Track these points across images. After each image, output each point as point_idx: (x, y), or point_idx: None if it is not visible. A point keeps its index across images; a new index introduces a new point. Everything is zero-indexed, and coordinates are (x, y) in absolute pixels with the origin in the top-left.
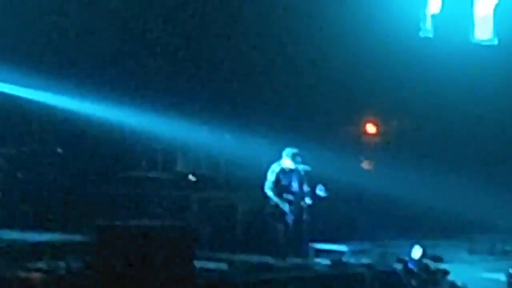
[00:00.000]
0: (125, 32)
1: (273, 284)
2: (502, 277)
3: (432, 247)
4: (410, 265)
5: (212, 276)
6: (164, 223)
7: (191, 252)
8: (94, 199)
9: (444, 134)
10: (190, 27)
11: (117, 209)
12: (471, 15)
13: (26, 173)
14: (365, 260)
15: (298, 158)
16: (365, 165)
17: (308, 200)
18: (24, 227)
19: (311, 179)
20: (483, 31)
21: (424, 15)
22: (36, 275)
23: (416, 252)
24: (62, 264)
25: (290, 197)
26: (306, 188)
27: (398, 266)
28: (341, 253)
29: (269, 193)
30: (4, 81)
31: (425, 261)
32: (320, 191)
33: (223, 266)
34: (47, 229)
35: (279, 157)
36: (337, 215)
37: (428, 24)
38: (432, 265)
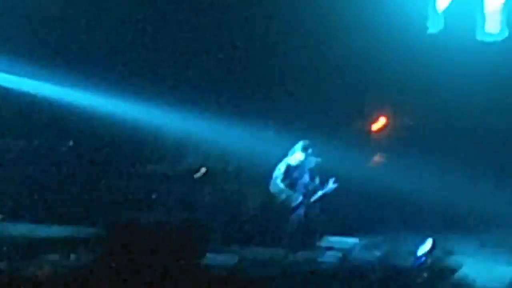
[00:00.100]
0: (133, 21)
1: (283, 278)
2: None
3: (443, 241)
4: (421, 259)
5: (222, 270)
6: (173, 217)
7: (201, 246)
8: (105, 194)
9: (455, 128)
10: (200, 17)
11: (128, 203)
12: (481, 9)
13: (37, 166)
14: (375, 254)
15: (309, 150)
16: (376, 158)
17: (319, 193)
18: (35, 221)
19: (322, 172)
20: (493, 25)
21: (433, 9)
22: (47, 269)
23: (427, 245)
24: (73, 257)
25: (301, 189)
26: (317, 180)
27: (409, 260)
28: (352, 246)
29: (280, 185)
30: (13, 73)
31: (436, 254)
32: (331, 184)
33: (234, 259)
34: (58, 223)
35: (290, 150)
36: (348, 209)
37: (436, 18)
38: (443, 258)
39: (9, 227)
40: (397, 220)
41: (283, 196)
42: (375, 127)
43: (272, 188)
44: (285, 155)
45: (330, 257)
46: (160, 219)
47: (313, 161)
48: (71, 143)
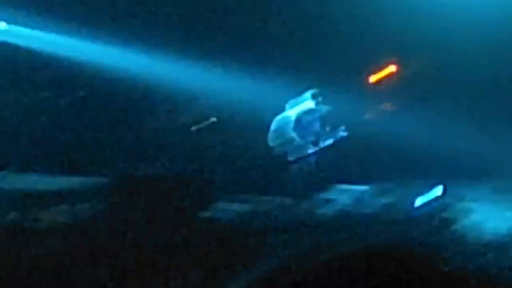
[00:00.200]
0: None
1: (294, 226)
2: None
3: (454, 187)
4: (431, 205)
5: (232, 220)
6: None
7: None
8: (114, 145)
9: (467, 75)
10: None
11: (137, 155)
12: None
13: (46, 117)
14: (385, 200)
15: (319, 99)
16: (386, 106)
17: (329, 140)
18: (44, 171)
19: (333, 119)
20: None
21: None
22: (58, 219)
23: (438, 191)
24: (83, 207)
25: (312, 137)
26: (327, 128)
27: (418, 205)
28: (362, 192)
29: (291, 133)
30: (19, 24)
31: (447, 200)
32: (341, 131)
33: (246, 207)
34: (67, 173)
35: (300, 97)
36: (358, 155)
37: None
38: (454, 204)
39: (19, 179)
40: (408, 167)
41: (294, 144)
42: (384, 74)
43: (280, 137)
44: (295, 103)
45: (340, 203)
46: (168, 170)
47: (324, 109)
48: (82, 93)
